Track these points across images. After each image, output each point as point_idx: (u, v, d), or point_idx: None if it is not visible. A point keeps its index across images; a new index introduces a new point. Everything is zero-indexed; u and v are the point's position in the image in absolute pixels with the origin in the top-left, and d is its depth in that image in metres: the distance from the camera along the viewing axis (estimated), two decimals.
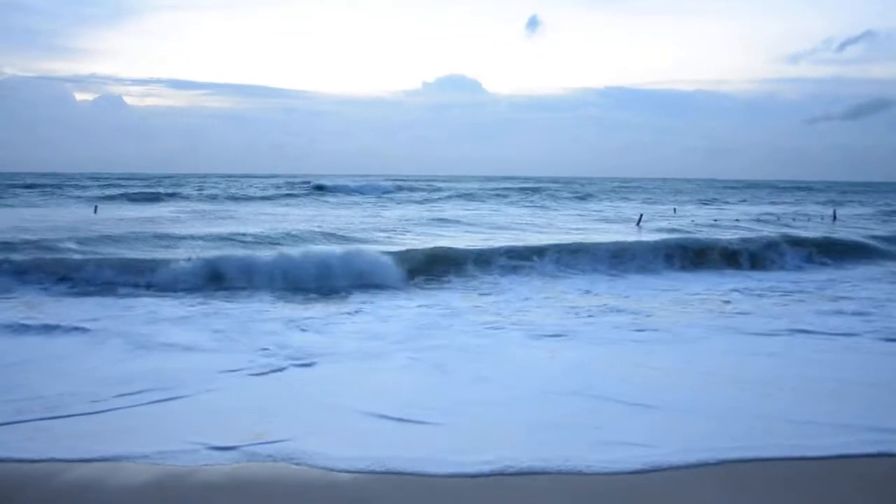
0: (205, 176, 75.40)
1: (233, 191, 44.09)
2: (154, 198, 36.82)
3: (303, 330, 8.71)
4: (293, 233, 18.37)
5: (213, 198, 37.82)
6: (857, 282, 13.19)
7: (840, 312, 10.03)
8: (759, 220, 27.29)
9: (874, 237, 19.40)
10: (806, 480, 4.52)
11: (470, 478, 4.48)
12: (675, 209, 36.27)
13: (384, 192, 45.28)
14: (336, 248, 13.53)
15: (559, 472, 4.56)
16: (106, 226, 20.26)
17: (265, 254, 13.30)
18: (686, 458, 4.78)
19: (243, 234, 17.69)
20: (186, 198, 37.62)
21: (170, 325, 8.82)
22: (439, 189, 49.73)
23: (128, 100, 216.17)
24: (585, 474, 4.55)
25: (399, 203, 37.09)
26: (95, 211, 28.10)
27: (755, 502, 4.25)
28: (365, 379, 6.80)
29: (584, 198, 45.04)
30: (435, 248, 14.71)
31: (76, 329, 8.46)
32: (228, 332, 8.48)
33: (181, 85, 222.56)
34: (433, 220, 24.94)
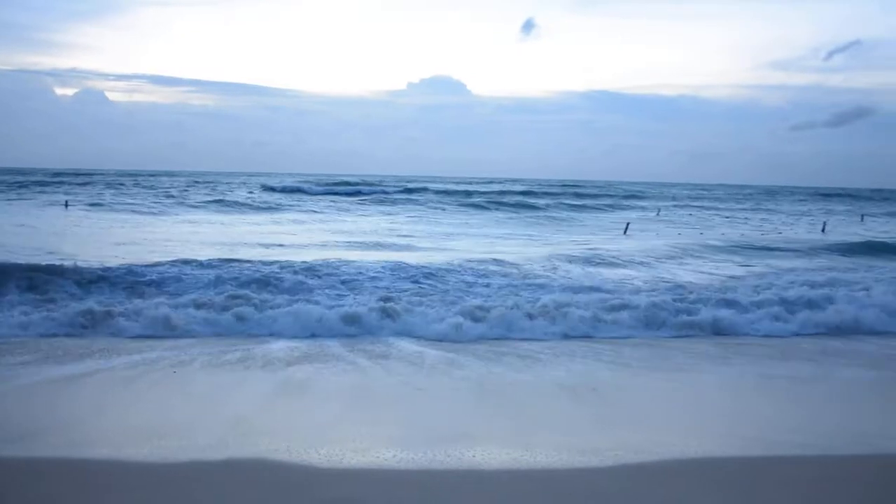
0: (176, 174, 74.59)
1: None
2: None
3: None
4: None
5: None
6: None
7: None
8: None
9: None
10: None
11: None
12: (658, 210, 36.40)
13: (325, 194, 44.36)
14: None
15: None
16: None
17: None
18: None
19: None
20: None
21: None
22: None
23: (110, 95, 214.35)
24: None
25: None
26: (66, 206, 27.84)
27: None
28: None
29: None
30: None
31: None
32: None
33: (165, 81, 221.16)
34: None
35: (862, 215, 38.29)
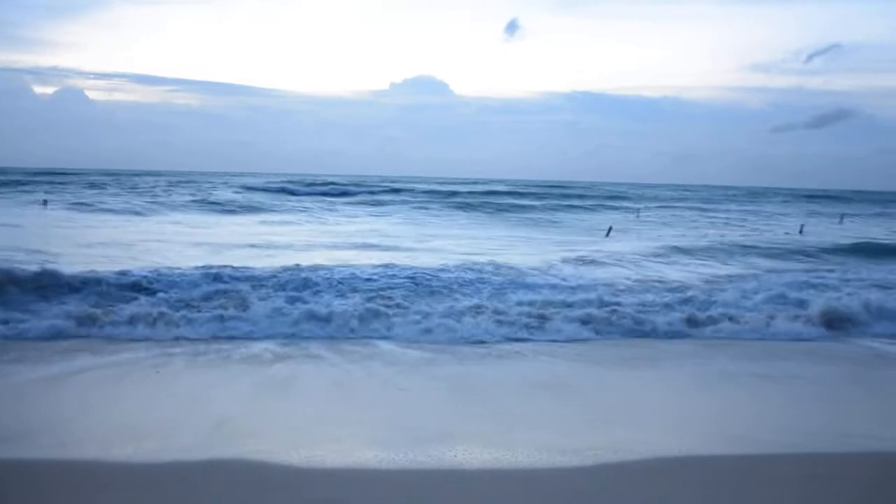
0: (158, 174, 73.91)
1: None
2: None
3: None
4: None
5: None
6: None
7: None
8: None
9: None
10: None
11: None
12: (638, 212, 36.61)
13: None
14: None
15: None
16: None
17: None
18: None
19: None
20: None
21: None
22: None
23: (90, 94, 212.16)
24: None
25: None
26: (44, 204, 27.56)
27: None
28: None
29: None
30: None
31: None
32: None
33: (146, 80, 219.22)
34: None
35: (841, 216, 38.67)
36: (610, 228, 25.59)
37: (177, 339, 8.49)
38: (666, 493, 4.44)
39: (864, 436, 5.64)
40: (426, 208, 36.19)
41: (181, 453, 4.89)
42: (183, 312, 9.35)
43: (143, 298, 10.07)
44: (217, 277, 11.36)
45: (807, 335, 9.74)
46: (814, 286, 12.81)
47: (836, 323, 10.13)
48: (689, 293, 11.76)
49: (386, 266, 13.07)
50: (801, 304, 11.03)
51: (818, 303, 10.88)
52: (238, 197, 38.71)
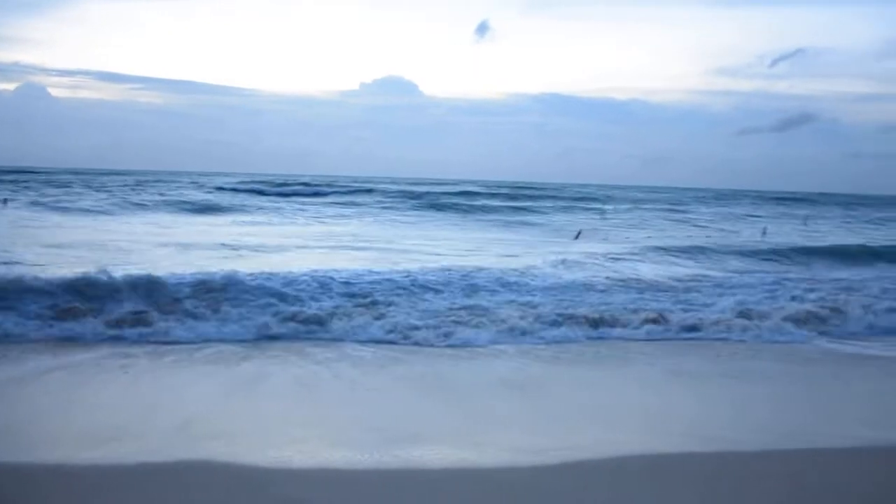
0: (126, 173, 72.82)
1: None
2: None
3: None
4: None
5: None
6: None
7: None
8: None
9: None
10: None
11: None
12: (604, 213, 36.99)
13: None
14: None
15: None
16: None
17: None
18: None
19: None
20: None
21: None
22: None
23: (53, 91, 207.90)
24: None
25: None
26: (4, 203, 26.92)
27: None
28: None
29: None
30: None
31: None
32: None
33: (111, 78, 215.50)
34: None
35: (805, 219, 39.35)
36: (580, 231, 25.73)
37: (144, 341, 8.39)
38: (635, 492, 4.51)
39: (833, 434, 5.76)
40: (398, 209, 36.12)
41: (148, 455, 4.86)
42: (153, 314, 9.25)
43: (108, 299, 9.90)
44: (184, 280, 11.14)
45: (775, 336, 9.84)
46: (779, 288, 13.03)
47: (802, 324, 10.28)
48: (660, 294, 11.89)
49: (358, 267, 13.03)
50: (769, 305, 11.21)
51: (783, 304, 11.08)
52: (209, 197, 38.33)
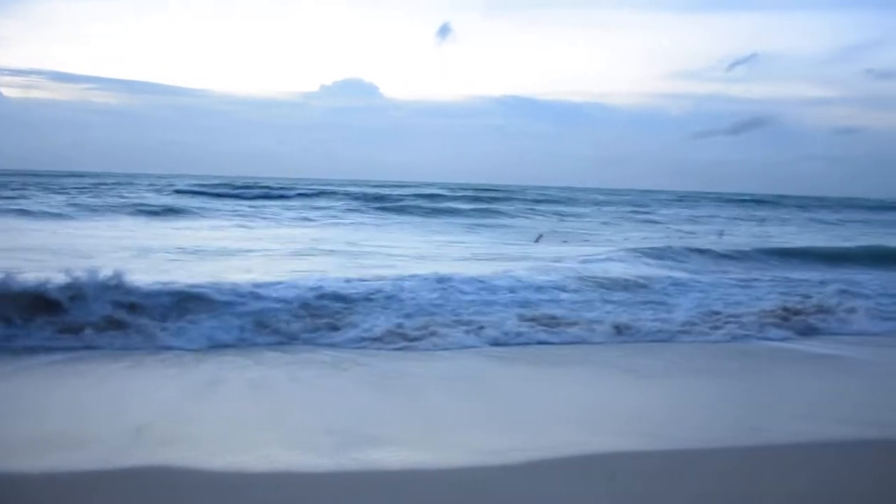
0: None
1: None
2: None
3: None
4: None
5: None
6: None
7: None
8: None
9: None
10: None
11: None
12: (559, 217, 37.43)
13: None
14: None
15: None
16: None
17: None
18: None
19: None
20: None
21: None
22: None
23: (5, 91, 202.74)
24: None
25: None
26: None
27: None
28: None
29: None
30: None
31: None
32: None
33: (65, 78, 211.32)
34: None
35: (762, 220, 40.15)
36: (540, 235, 25.82)
37: (97, 347, 8.24)
38: (596, 491, 4.54)
39: (790, 430, 5.85)
40: (360, 211, 36.01)
41: (102, 462, 4.78)
42: (108, 322, 9.06)
43: (61, 308, 9.64)
44: (139, 288, 10.86)
45: (738, 336, 9.92)
46: (744, 288, 13.24)
47: (765, 324, 10.37)
48: (624, 294, 12.01)
49: (321, 272, 12.92)
50: (734, 307, 11.35)
51: (747, 304, 11.26)
52: (168, 200, 37.74)
